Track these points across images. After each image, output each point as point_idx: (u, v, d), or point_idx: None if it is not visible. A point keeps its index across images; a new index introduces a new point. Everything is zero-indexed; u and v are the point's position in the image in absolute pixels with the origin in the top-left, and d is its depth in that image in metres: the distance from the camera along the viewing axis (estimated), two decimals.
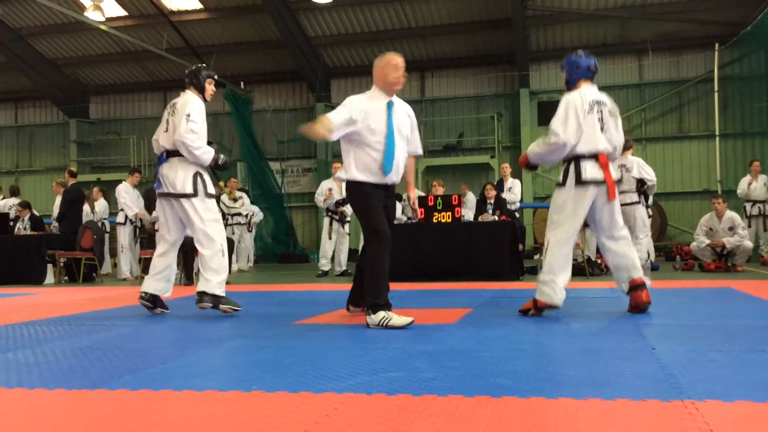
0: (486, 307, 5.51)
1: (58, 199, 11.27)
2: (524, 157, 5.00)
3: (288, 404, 2.38)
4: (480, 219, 9.68)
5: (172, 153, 5.29)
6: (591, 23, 16.57)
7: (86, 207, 11.53)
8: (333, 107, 18.08)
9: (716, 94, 14.53)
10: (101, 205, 11.75)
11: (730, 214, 9.51)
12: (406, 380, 2.71)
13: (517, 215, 10.52)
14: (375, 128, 4.45)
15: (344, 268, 10.64)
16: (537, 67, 17.54)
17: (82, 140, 20.66)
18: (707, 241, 9.46)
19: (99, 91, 20.83)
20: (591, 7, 16.10)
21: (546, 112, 17.80)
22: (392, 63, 4.51)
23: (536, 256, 12.54)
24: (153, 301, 5.43)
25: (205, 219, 5.26)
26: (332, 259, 10.71)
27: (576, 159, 4.69)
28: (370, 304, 4.21)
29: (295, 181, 18.95)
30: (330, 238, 10.56)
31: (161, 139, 5.38)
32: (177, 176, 5.22)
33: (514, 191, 10.92)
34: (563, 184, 4.74)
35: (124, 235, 10.96)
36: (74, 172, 11.46)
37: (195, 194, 5.22)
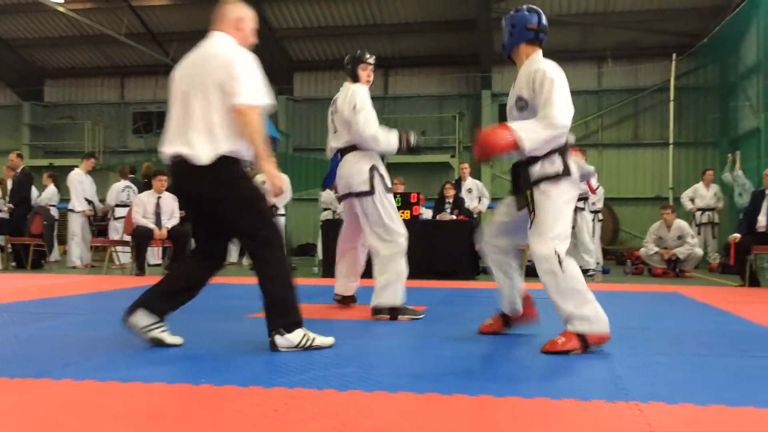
0: (441, 306, 5.54)
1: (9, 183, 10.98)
2: (510, 143, 3.31)
3: (237, 398, 2.35)
4: (438, 218, 9.73)
5: (346, 150, 4.81)
6: (554, 28, 16.68)
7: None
8: (295, 101, 17.99)
9: (671, 104, 14.86)
10: (50, 191, 11.45)
11: (679, 224, 9.74)
12: (358, 376, 2.71)
13: (475, 215, 10.60)
14: None
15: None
16: (500, 70, 17.67)
17: (35, 124, 20.13)
18: (655, 249, 9.68)
19: (55, 74, 20.31)
20: (554, 13, 16.29)
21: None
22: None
23: None
24: (345, 302, 5.29)
25: (383, 216, 4.77)
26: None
27: (565, 148, 3.52)
28: (284, 324, 3.28)
29: (252, 174, 18.74)
30: None
31: (333, 142, 4.92)
32: (353, 175, 4.74)
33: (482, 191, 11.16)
34: (564, 176, 3.42)
35: (76, 222, 10.70)
36: (21, 155, 11.16)
37: (372, 191, 4.71)
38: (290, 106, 18.58)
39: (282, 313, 3.30)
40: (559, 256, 3.32)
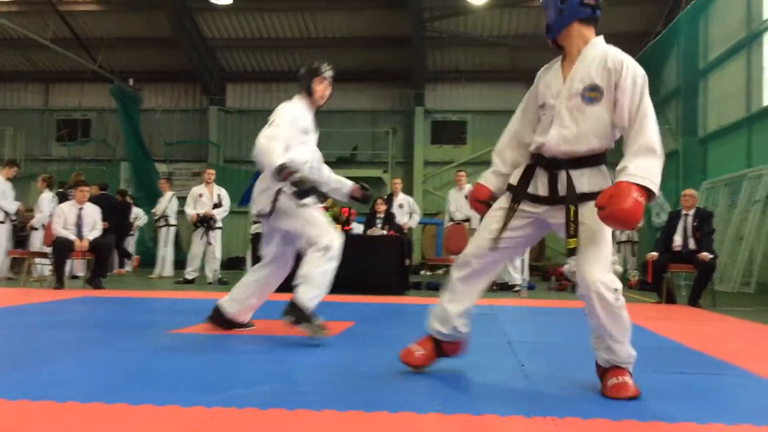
0: (369, 321, 5.54)
1: None
2: (643, 204, 2.59)
3: (152, 418, 2.29)
4: (368, 233, 9.76)
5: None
6: (485, 49, 17.16)
7: None
8: (228, 112, 17.80)
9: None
10: None
11: None
12: (281, 394, 2.68)
13: (405, 231, 10.67)
14: None
15: (219, 275, 10.40)
16: (433, 87, 17.95)
17: None
18: None
19: None
20: (485, 33, 16.69)
21: (440, 131, 18.24)
22: None
23: (422, 272, 12.77)
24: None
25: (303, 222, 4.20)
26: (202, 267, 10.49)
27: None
28: None
29: (182, 185, 18.36)
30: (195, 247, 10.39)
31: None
32: (260, 195, 4.29)
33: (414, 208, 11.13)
34: None
35: (3, 232, 10.22)
36: None
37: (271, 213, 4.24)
38: (222, 117, 18.34)
39: None
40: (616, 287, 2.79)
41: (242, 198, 4.56)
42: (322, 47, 17.50)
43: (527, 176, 2.94)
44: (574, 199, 2.79)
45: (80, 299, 7.09)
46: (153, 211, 12.35)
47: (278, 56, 18.08)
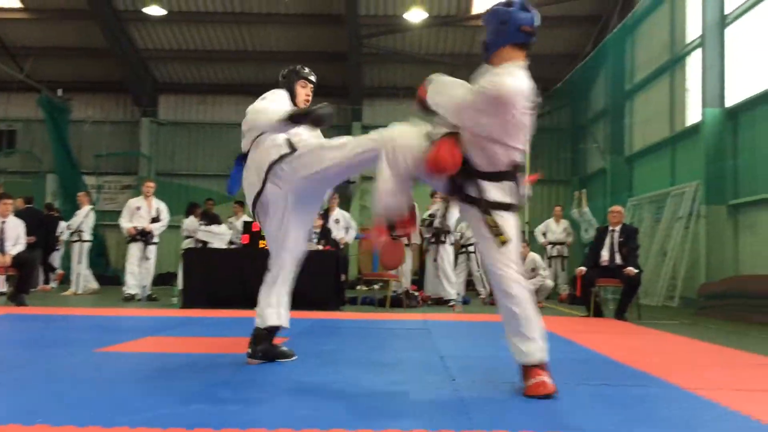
0: (302, 337, 5.50)
1: None
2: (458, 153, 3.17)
3: None
4: None
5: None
6: (421, 66, 17.36)
7: None
8: (160, 124, 17.34)
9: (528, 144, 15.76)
10: None
11: (533, 256, 10.30)
12: (208, 413, 2.63)
13: (341, 246, 10.64)
14: None
15: (149, 292, 10.14)
16: (370, 103, 18.05)
17: None
18: None
19: None
20: (422, 51, 16.93)
21: None
22: None
23: (358, 287, 12.77)
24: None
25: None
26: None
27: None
28: None
29: (111, 198, 17.89)
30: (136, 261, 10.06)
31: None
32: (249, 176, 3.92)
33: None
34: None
35: None
36: None
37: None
38: (154, 128, 17.95)
39: None
40: (517, 285, 3.14)
41: (229, 186, 4.13)
42: (258, 60, 17.39)
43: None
44: (485, 205, 3.15)
45: (1, 317, 6.80)
46: (67, 224, 11.87)
47: (213, 68, 17.86)
